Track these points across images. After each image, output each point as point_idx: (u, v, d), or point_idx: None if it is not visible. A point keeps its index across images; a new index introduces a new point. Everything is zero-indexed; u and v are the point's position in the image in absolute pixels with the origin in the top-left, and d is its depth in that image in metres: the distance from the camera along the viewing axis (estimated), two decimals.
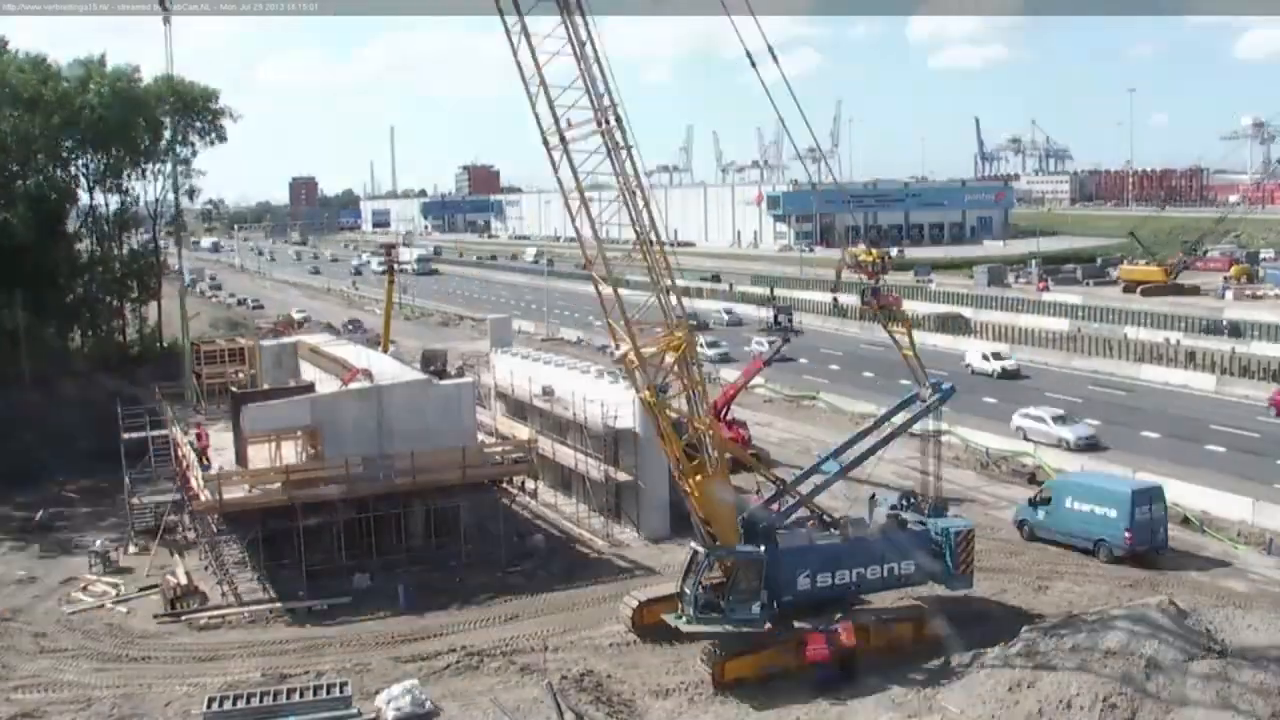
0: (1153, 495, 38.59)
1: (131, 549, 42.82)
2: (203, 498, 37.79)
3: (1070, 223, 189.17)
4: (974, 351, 75.94)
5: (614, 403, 42.26)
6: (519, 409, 52.44)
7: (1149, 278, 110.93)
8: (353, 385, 42.62)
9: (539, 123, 27.57)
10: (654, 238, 28.53)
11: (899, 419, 34.21)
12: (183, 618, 36.00)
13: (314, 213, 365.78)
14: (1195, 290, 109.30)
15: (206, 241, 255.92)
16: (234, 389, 45.95)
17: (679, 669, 30.67)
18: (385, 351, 59.66)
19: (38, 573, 41.21)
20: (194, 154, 72.39)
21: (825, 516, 33.31)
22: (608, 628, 33.78)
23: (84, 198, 70.82)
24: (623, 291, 28.62)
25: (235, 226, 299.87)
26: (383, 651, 32.81)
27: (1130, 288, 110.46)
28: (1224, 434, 55.48)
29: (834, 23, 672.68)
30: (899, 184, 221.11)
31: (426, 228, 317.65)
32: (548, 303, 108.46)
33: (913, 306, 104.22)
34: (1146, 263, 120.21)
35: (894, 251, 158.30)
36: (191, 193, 76.43)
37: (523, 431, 49.03)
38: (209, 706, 27.61)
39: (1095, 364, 74.87)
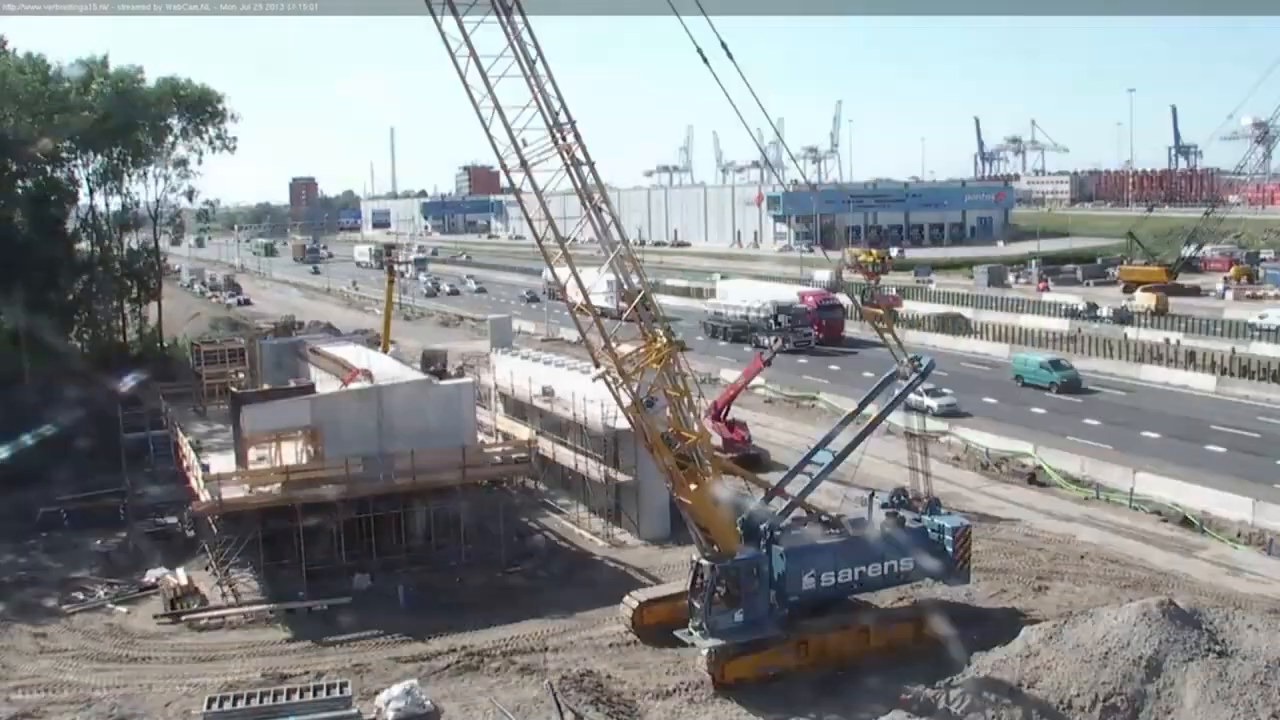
0: None
1: (131, 549, 42.82)
2: (202, 498, 37.81)
3: (1070, 223, 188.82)
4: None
5: (614, 403, 42.19)
6: (519, 409, 52.45)
7: (1149, 278, 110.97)
8: (353, 385, 42.63)
9: (494, 145, 27.21)
10: (625, 249, 28.43)
11: (881, 399, 34.05)
12: (182, 618, 36.02)
13: (314, 213, 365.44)
14: (1195, 291, 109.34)
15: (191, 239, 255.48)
16: (234, 389, 45.97)
17: (679, 669, 30.67)
18: (385, 351, 59.66)
19: (38, 573, 41.22)
20: (200, 160, 72.54)
21: (824, 516, 33.32)
22: (608, 628, 33.79)
23: (84, 198, 70.92)
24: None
25: (235, 227, 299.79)
26: (383, 651, 32.83)
27: (1130, 288, 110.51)
28: (1224, 434, 55.49)
29: (835, 22, 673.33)
30: (899, 184, 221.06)
31: (426, 228, 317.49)
32: (547, 303, 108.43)
33: (912, 306, 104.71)
34: (1146, 263, 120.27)
35: (894, 252, 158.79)
36: (190, 193, 76.55)
37: (523, 432, 49.05)
38: (209, 706, 27.62)
39: (1095, 364, 74.83)
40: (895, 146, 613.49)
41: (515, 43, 26.73)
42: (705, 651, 29.95)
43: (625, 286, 28.76)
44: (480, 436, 46.35)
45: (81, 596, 38.45)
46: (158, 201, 72.85)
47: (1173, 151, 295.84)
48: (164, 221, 74.63)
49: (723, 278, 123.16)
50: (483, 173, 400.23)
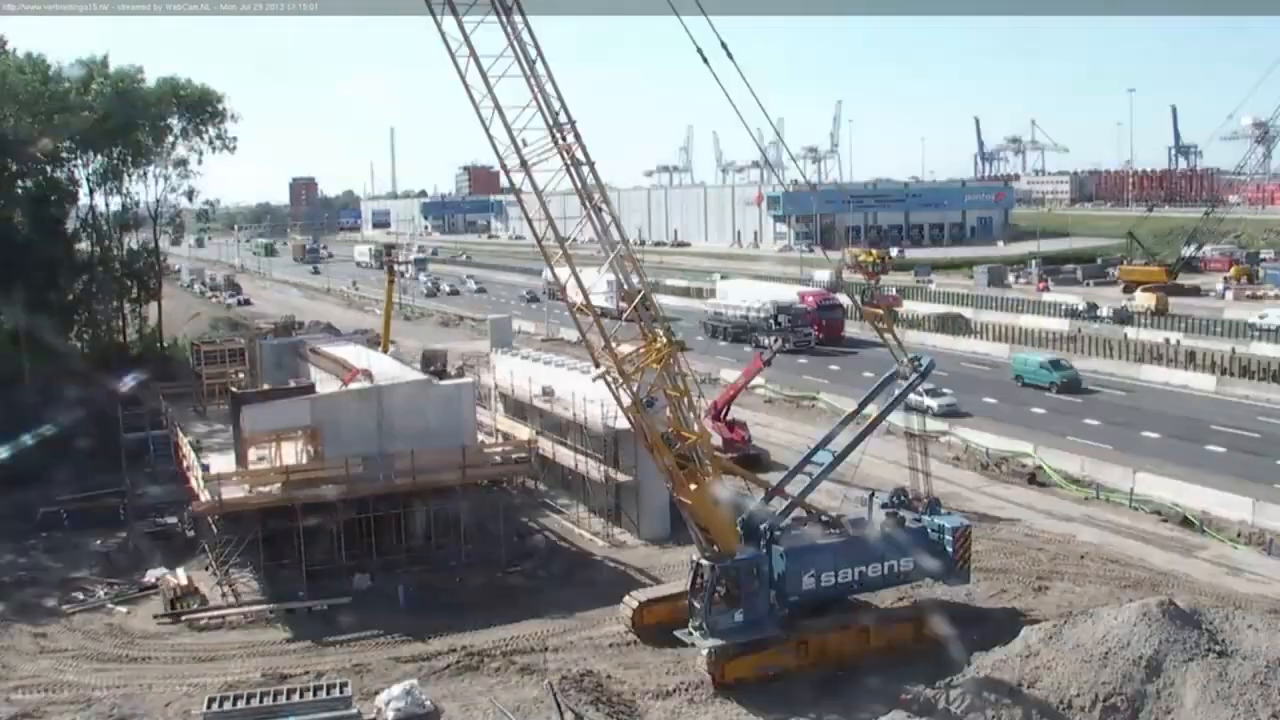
0: None
1: (131, 549, 42.82)
2: (202, 498, 37.82)
3: (1070, 223, 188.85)
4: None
5: (614, 403, 42.21)
6: (519, 409, 52.45)
7: (1149, 278, 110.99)
8: (353, 385, 42.63)
9: (494, 146, 27.21)
10: (625, 249, 28.41)
11: (881, 399, 34.06)
12: (182, 618, 36.02)
13: (314, 213, 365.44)
14: (1195, 291, 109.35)
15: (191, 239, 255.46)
16: (234, 389, 45.98)
17: (679, 669, 30.67)
18: (385, 351, 59.67)
19: (38, 573, 41.22)
20: (200, 161, 72.54)
21: (824, 516, 33.32)
22: (608, 628, 33.79)
23: (84, 198, 70.92)
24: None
25: (235, 227, 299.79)
26: (383, 651, 32.83)
27: (1130, 288, 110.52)
28: (1224, 434, 55.49)
29: (835, 22, 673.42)
30: (899, 184, 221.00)
31: (426, 228, 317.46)
32: (547, 303, 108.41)
33: (912, 306, 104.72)
34: (1146, 263, 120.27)
35: (894, 252, 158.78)
36: (191, 193, 76.58)
37: (523, 431, 49.05)
38: (209, 706, 27.62)
39: (1095, 364, 74.82)
40: (895, 146, 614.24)
41: (515, 43, 26.71)
42: (705, 651, 29.93)
43: (625, 286, 28.76)
44: (480, 436, 46.35)
45: (81, 596, 38.45)
46: (158, 201, 72.92)
47: (1173, 151, 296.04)
48: (164, 221, 74.66)
49: (722, 278, 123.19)
50: (483, 173, 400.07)
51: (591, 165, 27.89)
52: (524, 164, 27.28)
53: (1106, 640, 27.14)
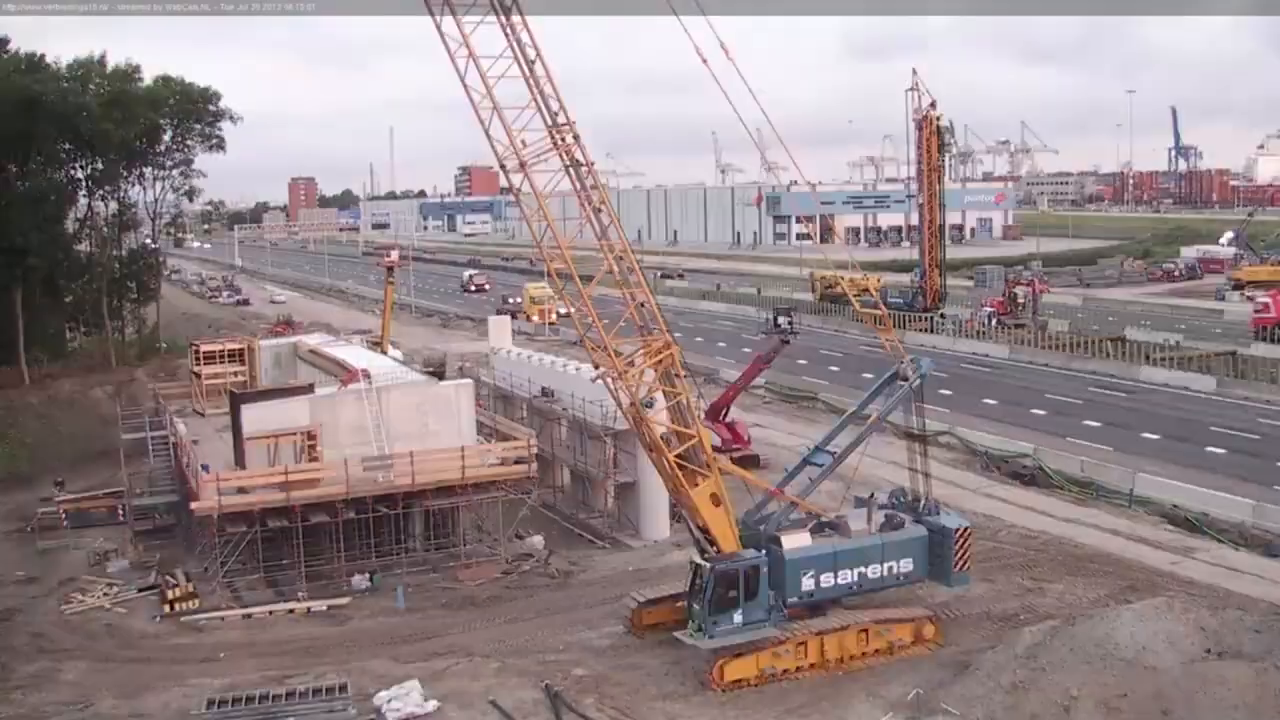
0: None
1: (130, 549, 42.78)
2: (202, 498, 37.75)
3: (1070, 223, 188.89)
4: None
5: (614, 403, 42.18)
6: (518, 409, 52.35)
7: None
8: (352, 386, 42.57)
9: (493, 146, 27.21)
10: (626, 249, 28.40)
11: (879, 402, 34.05)
12: (182, 618, 36.00)
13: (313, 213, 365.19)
14: None
15: (195, 243, 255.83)
16: (233, 389, 45.91)
17: (679, 669, 30.62)
18: (385, 352, 59.62)
19: (37, 573, 41.20)
20: (192, 159, 72.61)
21: (824, 517, 33.26)
22: (607, 628, 33.75)
23: (83, 199, 70.91)
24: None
25: (235, 227, 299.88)
26: (383, 651, 32.79)
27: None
28: (1224, 435, 55.44)
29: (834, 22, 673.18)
30: (899, 184, 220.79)
31: (425, 228, 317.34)
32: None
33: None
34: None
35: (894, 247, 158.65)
36: (191, 194, 76.61)
37: (523, 432, 48.94)
38: (209, 707, 27.57)
39: (1095, 365, 74.81)
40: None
41: (514, 43, 26.73)
42: (705, 653, 29.93)
43: (625, 287, 28.74)
44: (480, 437, 46.29)
45: (81, 596, 38.43)
46: (156, 202, 72.93)
47: (1173, 152, 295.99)
48: (163, 222, 74.72)
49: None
50: (482, 173, 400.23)
51: (590, 166, 27.89)
52: (523, 165, 27.30)
53: (1106, 640, 27.14)
